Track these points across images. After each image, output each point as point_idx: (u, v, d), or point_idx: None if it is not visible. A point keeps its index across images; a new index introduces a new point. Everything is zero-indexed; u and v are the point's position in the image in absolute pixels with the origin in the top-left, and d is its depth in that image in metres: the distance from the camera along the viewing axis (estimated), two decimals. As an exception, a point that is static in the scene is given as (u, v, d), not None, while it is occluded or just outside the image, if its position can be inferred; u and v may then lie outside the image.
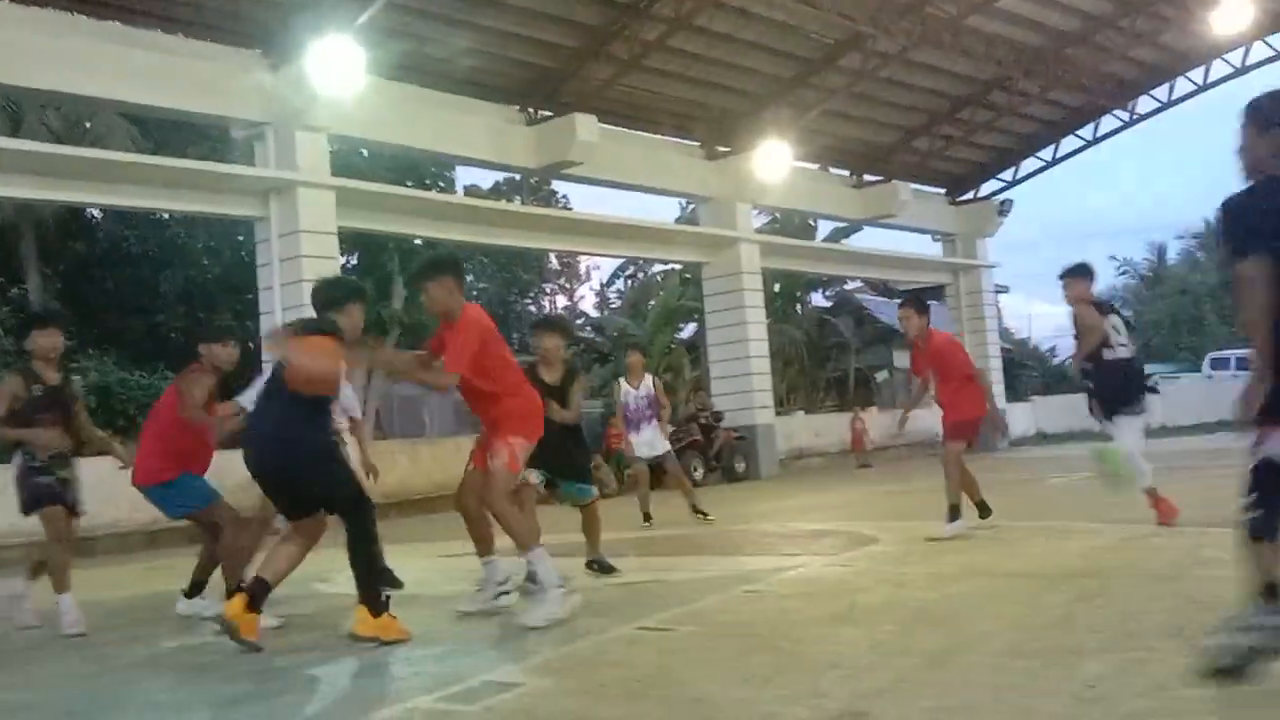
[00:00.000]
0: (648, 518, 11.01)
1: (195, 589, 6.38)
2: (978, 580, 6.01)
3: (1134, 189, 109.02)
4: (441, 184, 26.13)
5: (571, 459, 6.77)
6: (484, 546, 5.97)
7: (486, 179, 33.84)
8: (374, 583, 5.11)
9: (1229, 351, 34.99)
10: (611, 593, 6.53)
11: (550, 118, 17.96)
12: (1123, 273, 47.91)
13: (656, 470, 11.48)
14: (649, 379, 11.30)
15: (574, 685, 4.10)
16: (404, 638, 4.99)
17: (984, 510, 8.60)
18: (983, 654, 4.05)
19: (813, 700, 3.54)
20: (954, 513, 8.24)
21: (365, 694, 4.27)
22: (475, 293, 33.75)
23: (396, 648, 4.92)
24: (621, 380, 11.53)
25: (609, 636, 4.94)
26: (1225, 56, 23.43)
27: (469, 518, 5.95)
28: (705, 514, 10.95)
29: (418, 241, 20.85)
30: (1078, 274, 7.94)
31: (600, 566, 7.19)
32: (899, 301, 8.44)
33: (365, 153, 21.61)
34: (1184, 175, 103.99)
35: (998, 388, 28.32)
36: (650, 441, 11.11)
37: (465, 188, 31.62)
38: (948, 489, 8.33)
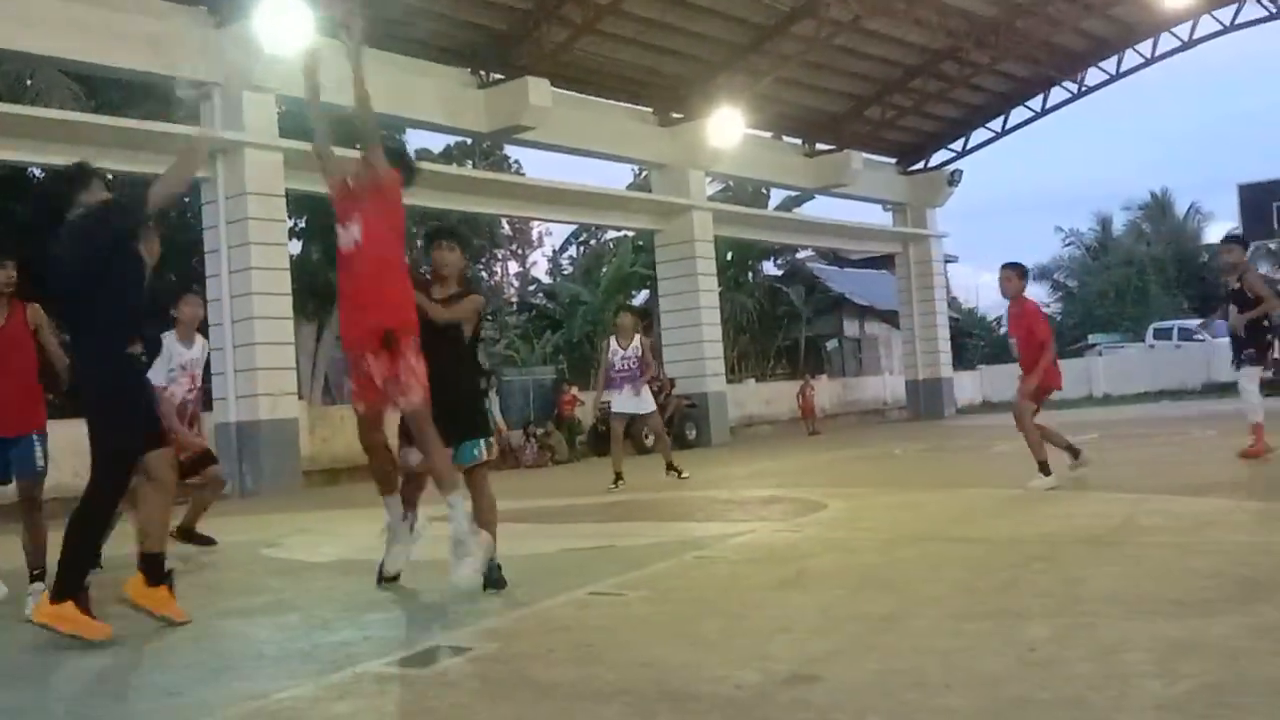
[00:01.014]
0: (619, 477, 11.10)
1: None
2: (926, 545, 6.08)
3: (1081, 161, 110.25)
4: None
5: (454, 412, 5.26)
6: (388, 486, 5.45)
7: (437, 142, 33.46)
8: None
9: (1172, 322, 35.62)
10: (562, 558, 6.53)
11: (502, 81, 17.78)
12: (1069, 243, 48.37)
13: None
14: (638, 339, 11.34)
15: (524, 649, 4.10)
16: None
17: (1073, 452, 8.78)
18: (930, 618, 4.10)
19: (761, 664, 3.56)
20: (1044, 469, 8.39)
21: (315, 659, 4.24)
22: (418, 256, 33.53)
23: (345, 612, 4.89)
24: (611, 339, 11.52)
25: (559, 601, 4.94)
26: (1173, 30, 23.71)
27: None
28: (680, 471, 11.18)
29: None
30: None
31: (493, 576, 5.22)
32: (1006, 264, 8.83)
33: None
34: (1131, 148, 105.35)
35: (945, 356, 28.65)
36: (633, 400, 11.21)
37: (416, 151, 31.25)
38: (1032, 447, 8.50)
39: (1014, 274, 8.92)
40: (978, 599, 4.40)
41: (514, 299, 38.68)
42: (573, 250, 39.21)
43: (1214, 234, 47.17)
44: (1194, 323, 34.55)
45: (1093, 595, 4.26)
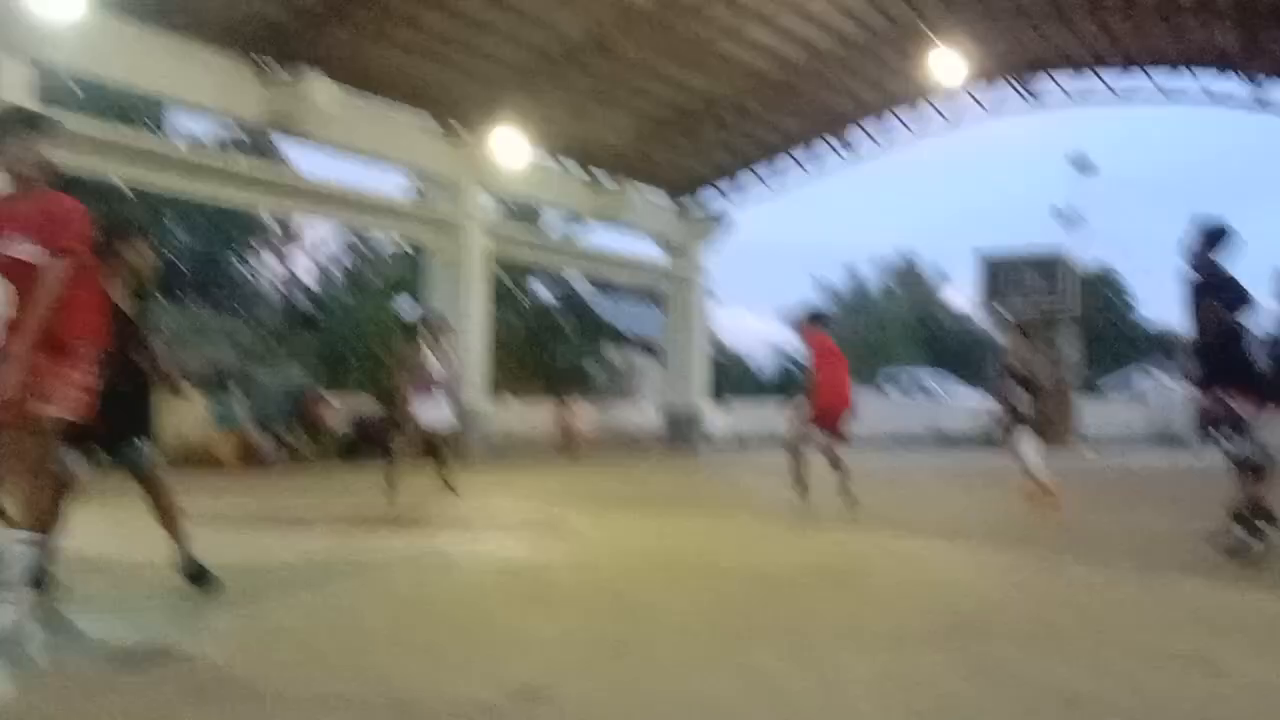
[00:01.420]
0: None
1: None
2: (670, 571, 6.18)
3: (840, 215, 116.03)
4: (149, 126, 24.47)
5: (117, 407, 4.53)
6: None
7: (206, 129, 31.90)
8: None
9: (904, 369, 38.13)
10: (297, 564, 6.28)
11: (283, 73, 17.14)
12: (823, 291, 50.98)
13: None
14: (452, 352, 11.26)
15: (246, 654, 3.91)
16: None
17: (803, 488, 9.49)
18: (666, 642, 4.16)
19: (494, 679, 3.52)
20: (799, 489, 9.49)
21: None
22: (180, 247, 31.88)
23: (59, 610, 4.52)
24: (423, 345, 11.06)
25: (289, 607, 4.74)
26: (939, 107, 25.43)
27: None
28: (454, 489, 10.79)
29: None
30: None
31: (192, 573, 4.91)
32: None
33: (81, 93, 19.97)
34: (893, 208, 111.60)
35: (702, 389, 29.45)
36: (438, 410, 10.97)
37: (183, 137, 29.69)
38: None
39: (804, 319, 10.40)
40: (714, 625, 4.50)
41: (274, 296, 37.21)
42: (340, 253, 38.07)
43: (956, 297, 50.68)
44: (926, 373, 36.94)
45: (821, 626, 4.43)
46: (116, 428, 4.63)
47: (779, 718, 3.08)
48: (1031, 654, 3.87)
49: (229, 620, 4.55)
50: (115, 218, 5.28)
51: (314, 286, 37.15)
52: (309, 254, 39.21)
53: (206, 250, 33.66)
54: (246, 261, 36.97)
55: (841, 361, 9.77)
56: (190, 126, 30.44)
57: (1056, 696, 3.30)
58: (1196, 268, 6.41)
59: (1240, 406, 6.13)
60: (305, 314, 32.98)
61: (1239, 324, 6.32)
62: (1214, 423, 6.28)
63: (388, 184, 32.68)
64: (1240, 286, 6.39)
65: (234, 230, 34.62)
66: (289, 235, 38.66)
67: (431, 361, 10.89)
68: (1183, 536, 7.94)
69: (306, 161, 32.22)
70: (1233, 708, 3.20)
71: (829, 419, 9.55)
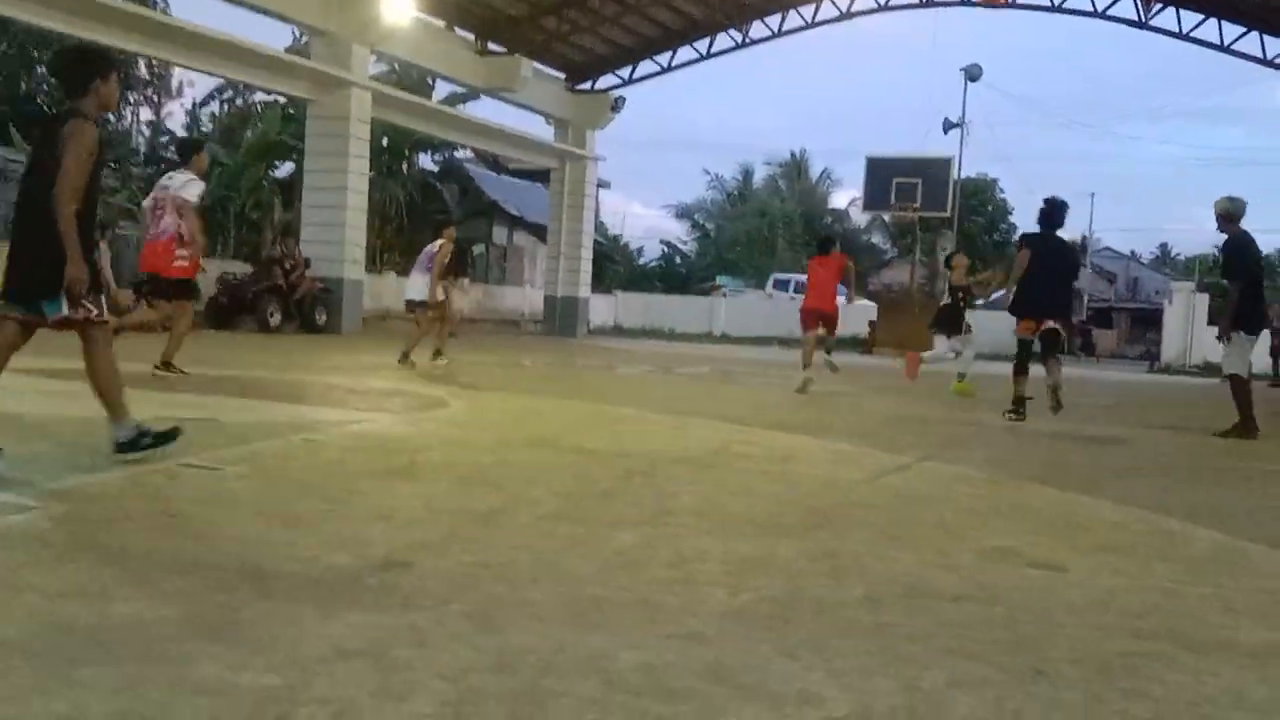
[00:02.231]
0: (405, 357, 12.09)
1: None
2: (538, 451, 6.22)
3: (735, 111, 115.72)
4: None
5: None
6: None
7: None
8: None
9: (790, 275, 38.40)
10: (156, 426, 6.12)
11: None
12: (713, 187, 50.89)
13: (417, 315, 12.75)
14: (440, 242, 12.73)
15: (99, 514, 3.82)
16: None
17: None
18: (528, 517, 4.20)
19: (357, 548, 3.51)
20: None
21: None
22: (49, 93, 30.11)
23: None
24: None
25: (146, 469, 4.62)
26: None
27: None
28: (411, 361, 11.96)
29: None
30: None
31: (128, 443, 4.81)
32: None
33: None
34: (782, 106, 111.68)
35: (586, 276, 29.37)
36: (418, 287, 12.54)
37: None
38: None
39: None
40: (577, 504, 4.56)
41: (142, 149, 35.52)
42: (215, 107, 36.42)
43: (841, 199, 51.22)
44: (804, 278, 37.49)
45: (681, 510, 4.52)
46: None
47: (634, 595, 3.15)
48: (881, 547, 4.02)
49: (80, 477, 4.42)
50: None
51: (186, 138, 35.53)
52: (181, 104, 37.48)
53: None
54: (118, 111, 35.14)
55: (830, 278, 12.75)
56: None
57: (899, 585, 3.44)
58: (1044, 238, 9.77)
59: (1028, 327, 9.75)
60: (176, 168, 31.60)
61: (1066, 277, 10.23)
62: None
63: (271, 37, 31.27)
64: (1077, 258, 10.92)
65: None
66: (161, 83, 36.80)
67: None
68: (1040, 444, 8.32)
69: (186, 8, 30.49)
70: (1063, 598, 3.38)
71: (814, 318, 12.59)
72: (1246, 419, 9.22)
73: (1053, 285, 9.74)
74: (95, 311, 4.65)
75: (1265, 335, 16.14)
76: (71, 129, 4.58)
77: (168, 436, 4.88)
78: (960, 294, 12.99)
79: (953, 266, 13.56)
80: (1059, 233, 9.84)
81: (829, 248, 13.27)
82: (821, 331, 12.68)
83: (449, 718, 2.18)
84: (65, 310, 4.57)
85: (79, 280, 4.49)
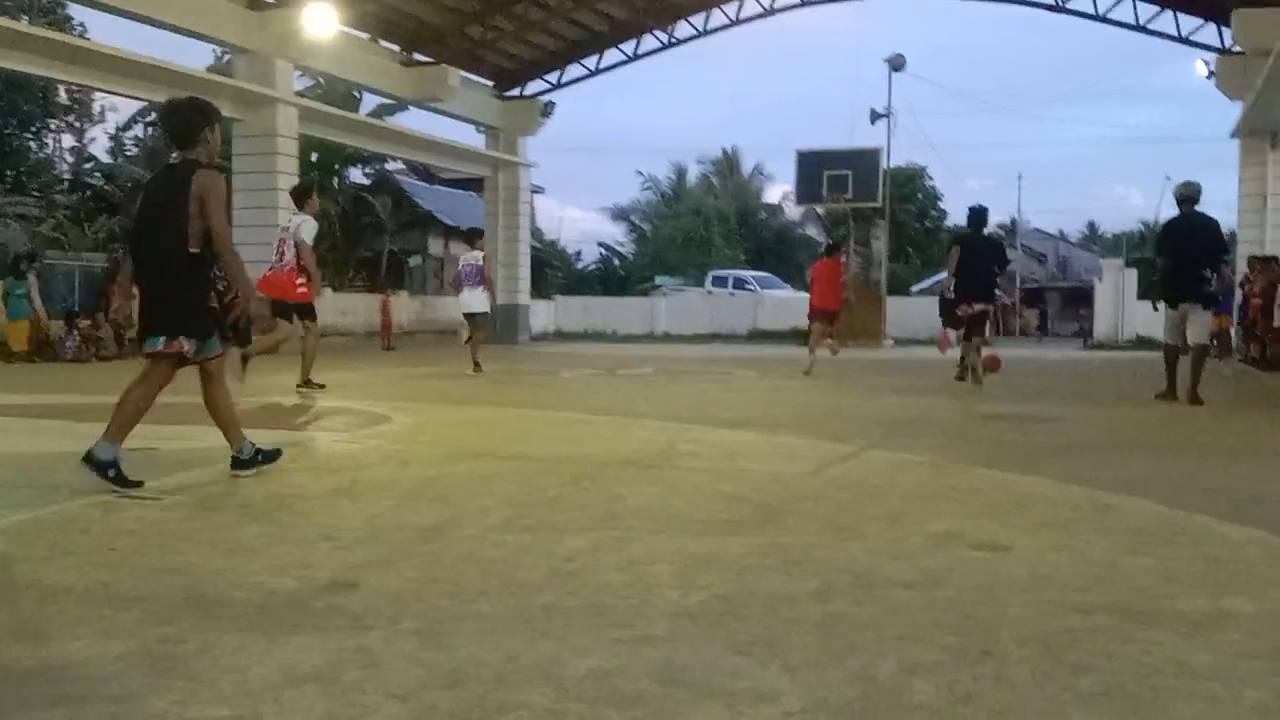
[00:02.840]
0: (477, 366, 13.80)
1: None
2: (483, 461, 6.19)
3: (666, 112, 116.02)
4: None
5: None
6: None
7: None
8: None
9: (729, 271, 38.60)
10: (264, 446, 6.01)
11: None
12: (647, 188, 50.96)
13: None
14: (480, 253, 14.30)
15: (34, 551, 3.74)
16: None
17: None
18: (475, 529, 4.17)
19: (302, 571, 3.47)
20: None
21: None
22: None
23: None
24: (466, 247, 14.74)
25: (83, 503, 4.54)
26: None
27: None
28: (479, 367, 13.69)
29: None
30: None
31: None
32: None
33: None
34: (710, 105, 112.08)
35: (525, 283, 29.28)
36: (470, 301, 14.09)
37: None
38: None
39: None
40: (523, 512, 4.54)
41: (66, 176, 34.81)
42: (138, 130, 35.79)
43: (774, 193, 51.58)
44: (749, 273, 37.71)
45: (630, 512, 4.52)
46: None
47: (584, 601, 3.14)
48: (830, 539, 4.05)
49: (12, 515, 4.33)
50: None
51: (110, 163, 34.90)
52: (104, 129, 36.80)
53: (-7, 125, 31.16)
54: (40, 139, 34.41)
55: (833, 277, 15.00)
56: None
57: (848, 575, 3.47)
58: (970, 236, 12.68)
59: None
60: (101, 193, 31.00)
61: (991, 272, 12.48)
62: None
63: (193, 57, 30.83)
64: (1001, 250, 13.86)
65: (24, 104, 32.07)
66: (82, 109, 36.11)
67: (468, 261, 14.38)
68: (979, 426, 8.44)
69: (106, 33, 29.94)
70: (1008, 577, 3.43)
71: (822, 315, 15.02)
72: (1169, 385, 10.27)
73: (978, 274, 12.02)
74: (185, 348, 5.07)
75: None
76: (208, 182, 5.01)
77: (274, 455, 5.57)
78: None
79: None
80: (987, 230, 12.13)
81: (834, 252, 15.89)
82: (823, 327, 15.13)
83: (403, 737, 2.16)
84: (161, 347, 5.04)
85: (258, 313, 5.73)
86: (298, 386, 10.60)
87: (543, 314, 32.91)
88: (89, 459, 4.85)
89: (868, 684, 2.47)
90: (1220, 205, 38.73)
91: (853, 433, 7.63)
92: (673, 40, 26.58)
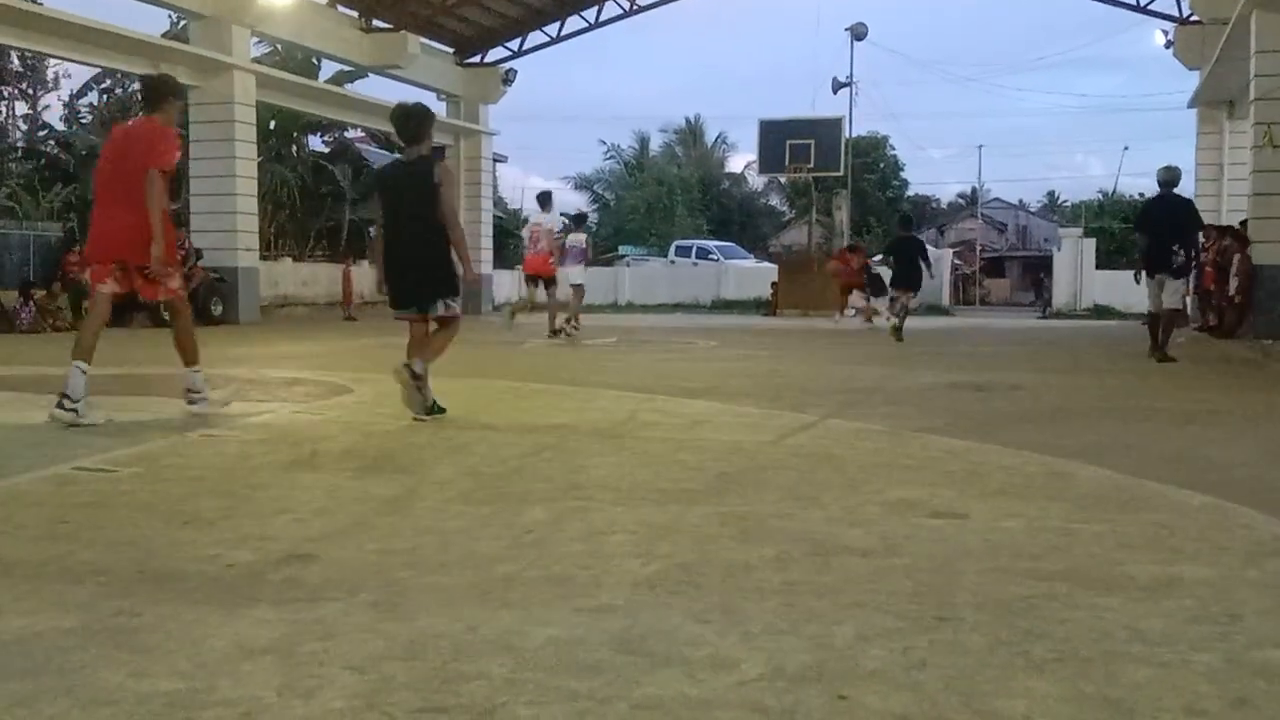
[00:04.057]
0: (575, 323, 16.41)
1: None
2: (444, 432, 6.16)
3: (628, 81, 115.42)
4: None
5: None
6: None
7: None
8: None
9: (692, 241, 38.57)
10: (47, 430, 5.93)
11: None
12: (610, 157, 50.76)
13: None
14: (584, 236, 17.81)
15: (-13, 527, 3.69)
16: None
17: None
18: (435, 500, 4.16)
19: (259, 543, 3.44)
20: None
21: None
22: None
23: None
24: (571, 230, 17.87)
25: (36, 476, 4.49)
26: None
27: None
28: (568, 330, 16.01)
29: None
30: None
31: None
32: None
33: None
34: (673, 74, 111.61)
35: (487, 254, 29.12)
36: (572, 273, 16.68)
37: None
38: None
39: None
40: (485, 483, 4.53)
41: (20, 144, 34.17)
42: (93, 97, 35.17)
43: (737, 163, 51.53)
44: (712, 243, 37.70)
45: (590, 483, 4.52)
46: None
47: (544, 571, 3.15)
48: (790, 507, 4.07)
49: (-34, 490, 4.27)
50: None
51: (64, 130, 34.30)
52: (58, 96, 36.14)
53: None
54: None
55: (846, 262, 22.03)
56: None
57: (806, 543, 3.49)
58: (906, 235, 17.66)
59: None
60: (56, 162, 30.46)
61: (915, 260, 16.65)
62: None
63: (145, 21, 30.26)
64: (922, 244, 18.32)
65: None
66: (36, 75, 35.43)
67: (574, 242, 17.21)
68: (937, 395, 8.50)
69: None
70: (964, 545, 3.47)
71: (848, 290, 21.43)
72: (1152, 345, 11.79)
73: (907, 266, 16.60)
74: (457, 310, 6.71)
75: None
76: (445, 173, 6.56)
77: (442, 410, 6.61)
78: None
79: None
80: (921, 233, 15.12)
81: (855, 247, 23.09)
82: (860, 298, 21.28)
83: (360, 709, 2.15)
84: (442, 310, 6.60)
85: (477, 280, 7.08)
86: (550, 334, 15.65)
87: (506, 284, 32.76)
88: (413, 372, 6.40)
89: (825, 651, 2.49)
90: (1178, 175, 39.03)
91: (813, 402, 7.67)
92: (635, 7, 26.40)
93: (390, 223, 6.62)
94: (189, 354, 6.76)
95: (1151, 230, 11.78)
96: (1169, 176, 11.82)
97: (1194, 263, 12.65)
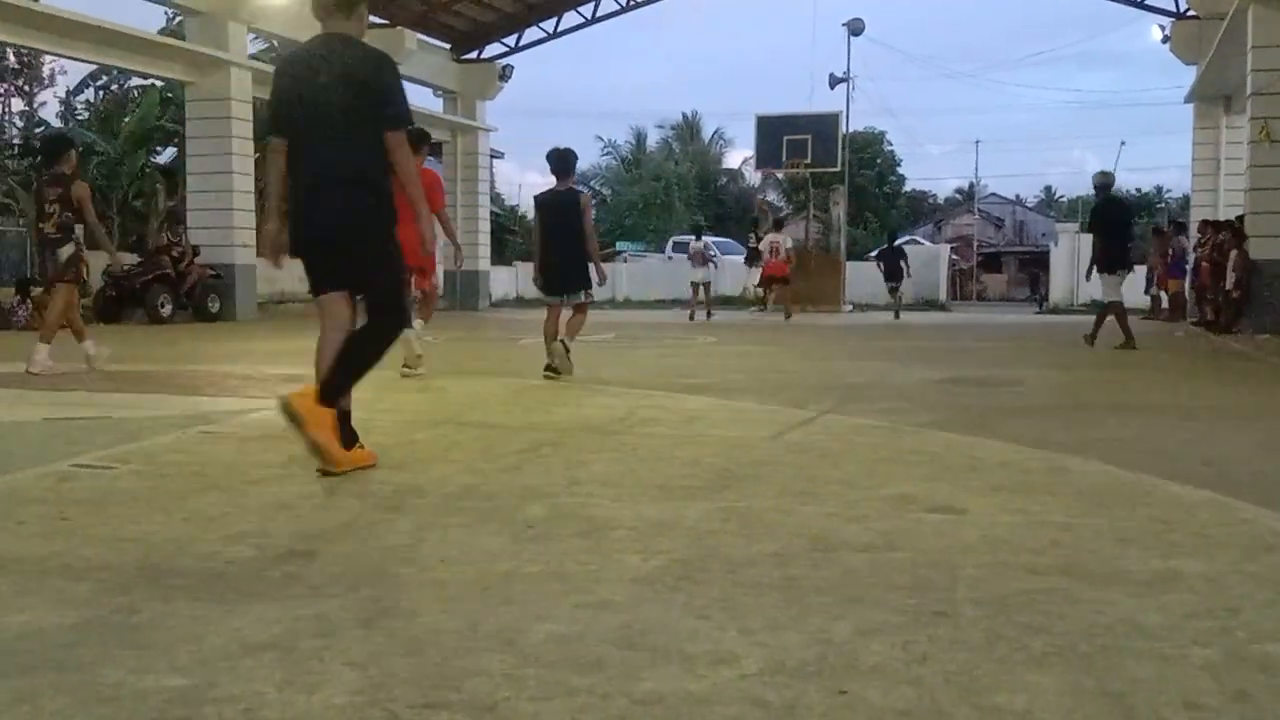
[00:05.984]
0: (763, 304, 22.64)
1: None
2: (443, 429, 6.17)
3: (625, 77, 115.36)
4: None
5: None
6: None
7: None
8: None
9: (689, 238, 38.52)
10: (47, 427, 5.94)
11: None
12: (606, 153, 50.73)
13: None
14: (707, 239, 21.27)
15: (-14, 524, 3.68)
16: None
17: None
18: (436, 497, 4.16)
19: (258, 540, 3.44)
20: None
21: None
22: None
23: None
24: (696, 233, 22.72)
25: (35, 473, 4.48)
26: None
27: None
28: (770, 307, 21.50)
29: None
30: None
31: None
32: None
33: None
34: (670, 69, 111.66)
35: (485, 249, 29.11)
36: (703, 273, 22.08)
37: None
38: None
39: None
40: (484, 480, 4.53)
41: (16, 141, 34.11)
42: (90, 94, 35.10)
43: (734, 159, 51.51)
44: (709, 238, 37.64)
45: (589, 479, 4.52)
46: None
47: (544, 567, 3.15)
48: (789, 503, 4.07)
49: (-35, 488, 4.27)
50: None
51: (61, 127, 34.19)
52: (54, 93, 36.07)
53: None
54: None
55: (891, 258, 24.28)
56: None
57: (806, 539, 3.50)
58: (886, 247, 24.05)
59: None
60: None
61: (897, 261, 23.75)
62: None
63: (141, 18, 30.20)
64: (904, 252, 25.01)
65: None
66: (31, 72, 35.36)
67: (698, 246, 22.95)
68: (935, 390, 8.51)
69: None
70: (962, 540, 3.47)
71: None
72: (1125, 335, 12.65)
73: (890, 266, 22.74)
74: (591, 298, 9.23)
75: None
76: (586, 201, 9.30)
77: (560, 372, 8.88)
78: None
79: None
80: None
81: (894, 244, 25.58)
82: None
83: (362, 705, 2.15)
84: (582, 298, 9.06)
85: (604, 275, 9.33)
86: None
87: (503, 280, 32.77)
88: (565, 346, 8.84)
89: (824, 646, 2.50)
90: (1175, 169, 39.01)
91: (811, 397, 7.67)
92: (631, 3, 26.38)
93: (546, 235, 8.97)
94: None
95: (1100, 231, 13.20)
96: (1105, 180, 13.35)
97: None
